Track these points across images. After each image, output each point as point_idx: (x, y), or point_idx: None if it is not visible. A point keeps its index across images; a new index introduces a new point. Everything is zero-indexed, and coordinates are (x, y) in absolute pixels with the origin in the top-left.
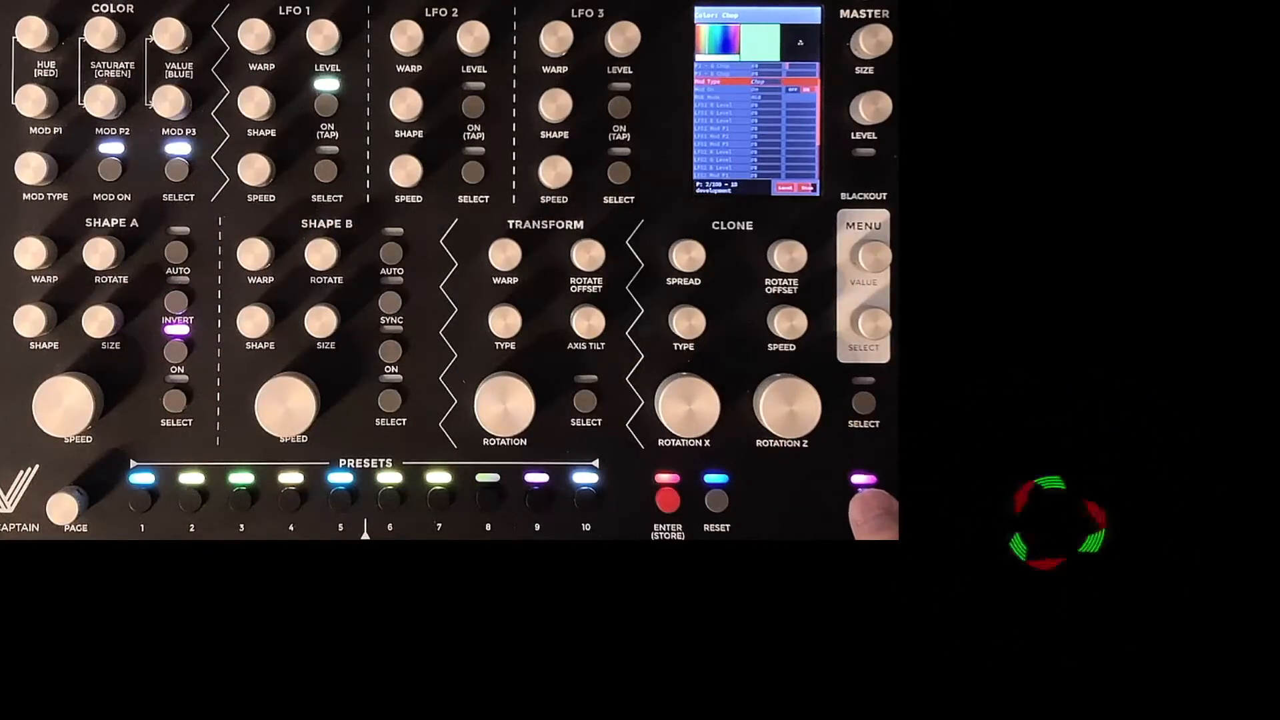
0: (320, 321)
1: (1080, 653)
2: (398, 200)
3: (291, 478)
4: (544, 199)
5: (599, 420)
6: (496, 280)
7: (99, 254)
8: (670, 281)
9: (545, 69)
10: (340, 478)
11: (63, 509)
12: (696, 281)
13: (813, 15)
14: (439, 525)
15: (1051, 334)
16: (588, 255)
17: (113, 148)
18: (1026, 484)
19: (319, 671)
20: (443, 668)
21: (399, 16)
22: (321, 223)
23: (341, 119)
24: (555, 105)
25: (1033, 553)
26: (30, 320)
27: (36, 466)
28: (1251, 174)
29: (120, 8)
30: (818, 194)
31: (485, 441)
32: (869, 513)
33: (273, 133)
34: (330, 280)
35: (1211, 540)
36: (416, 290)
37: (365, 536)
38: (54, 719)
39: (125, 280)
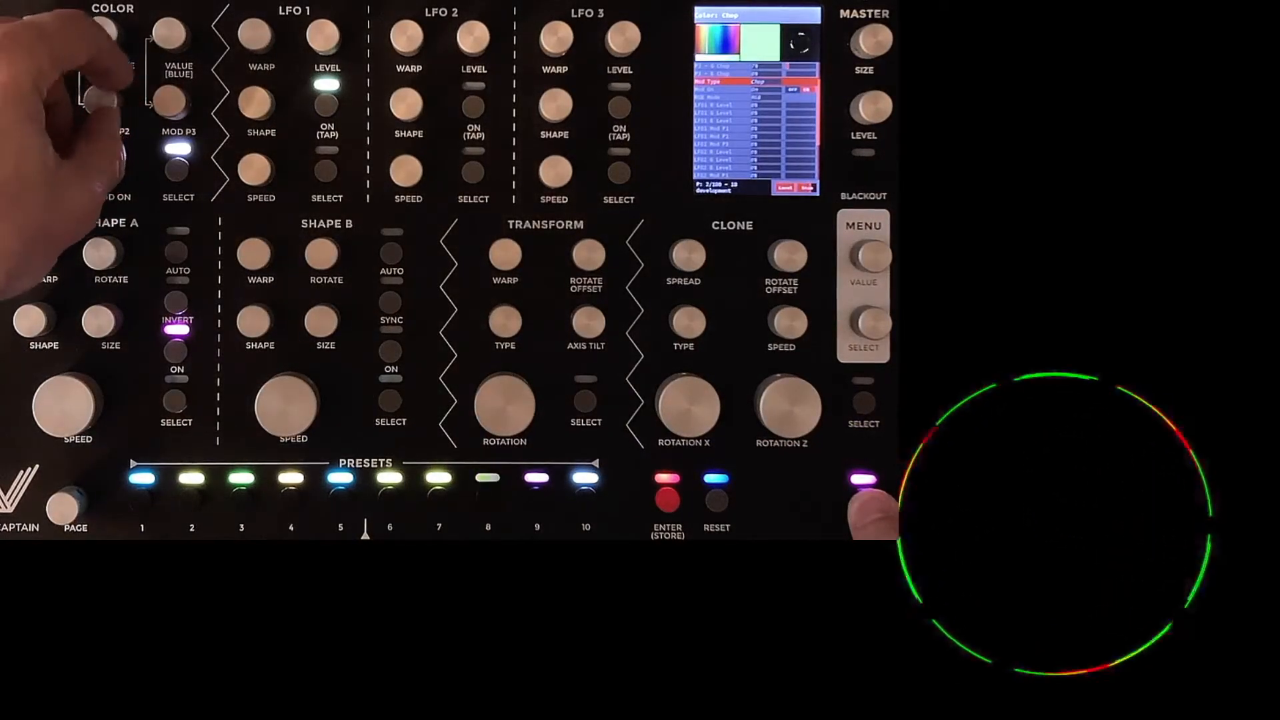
0: (320, 321)
1: (1080, 652)
2: (398, 200)
3: (291, 478)
4: (544, 199)
5: (599, 420)
6: (496, 280)
7: (99, 254)
8: (670, 281)
9: (545, 69)
10: (340, 478)
11: (63, 509)
12: (696, 281)
13: (813, 15)
14: (439, 525)
15: (1052, 334)
16: (588, 255)
17: None
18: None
19: (319, 671)
20: (443, 668)
21: (399, 16)
22: (321, 223)
23: (341, 119)
24: (555, 105)
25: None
26: (30, 320)
27: (36, 466)
28: (1254, 172)
29: (120, 8)
30: (818, 194)
31: (485, 441)
32: (867, 516)
33: (273, 133)
34: (330, 280)
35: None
36: (416, 290)
37: (365, 536)
38: (54, 719)
39: (125, 280)
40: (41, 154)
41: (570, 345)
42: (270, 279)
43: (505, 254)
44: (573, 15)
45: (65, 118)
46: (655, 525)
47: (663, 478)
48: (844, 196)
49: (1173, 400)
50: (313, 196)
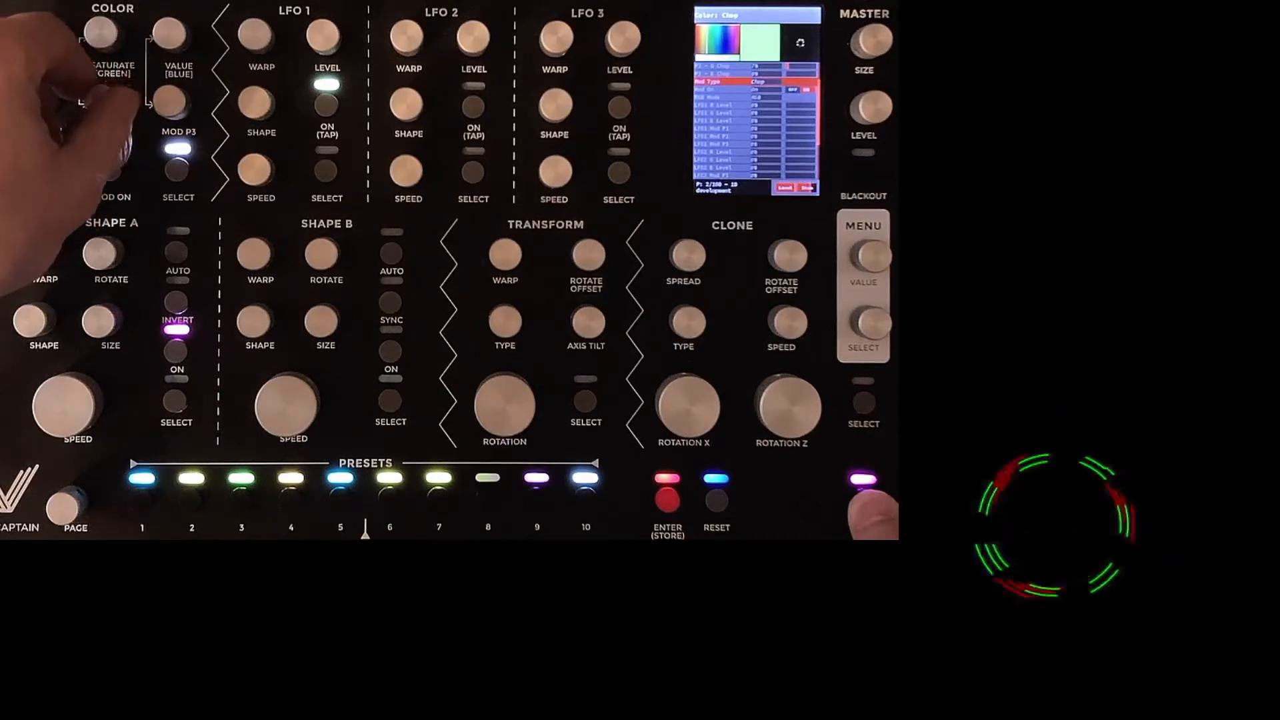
0: (320, 321)
1: (1079, 652)
2: (398, 200)
3: (291, 478)
4: (544, 199)
5: (599, 420)
6: (496, 280)
7: (99, 254)
8: (670, 281)
9: (545, 69)
10: (340, 478)
11: (63, 509)
12: (696, 281)
13: (813, 15)
14: (439, 525)
15: (1052, 334)
16: (588, 255)
17: None
18: (1010, 462)
19: (319, 671)
20: (443, 668)
21: (399, 16)
22: (321, 223)
23: (341, 119)
24: (555, 105)
25: (1015, 571)
26: (30, 320)
27: (36, 466)
28: (1254, 171)
29: (120, 8)
30: (818, 194)
31: (485, 441)
32: (867, 518)
33: (273, 133)
34: (330, 280)
35: (1198, 543)
36: (416, 290)
37: (365, 536)
38: (54, 719)
39: (125, 280)
40: (41, 146)
41: (570, 345)
42: (270, 279)
43: (505, 254)
44: (573, 15)
45: (52, 108)
46: (655, 525)
47: (663, 478)
48: (844, 196)
49: (1173, 399)
50: (313, 196)
